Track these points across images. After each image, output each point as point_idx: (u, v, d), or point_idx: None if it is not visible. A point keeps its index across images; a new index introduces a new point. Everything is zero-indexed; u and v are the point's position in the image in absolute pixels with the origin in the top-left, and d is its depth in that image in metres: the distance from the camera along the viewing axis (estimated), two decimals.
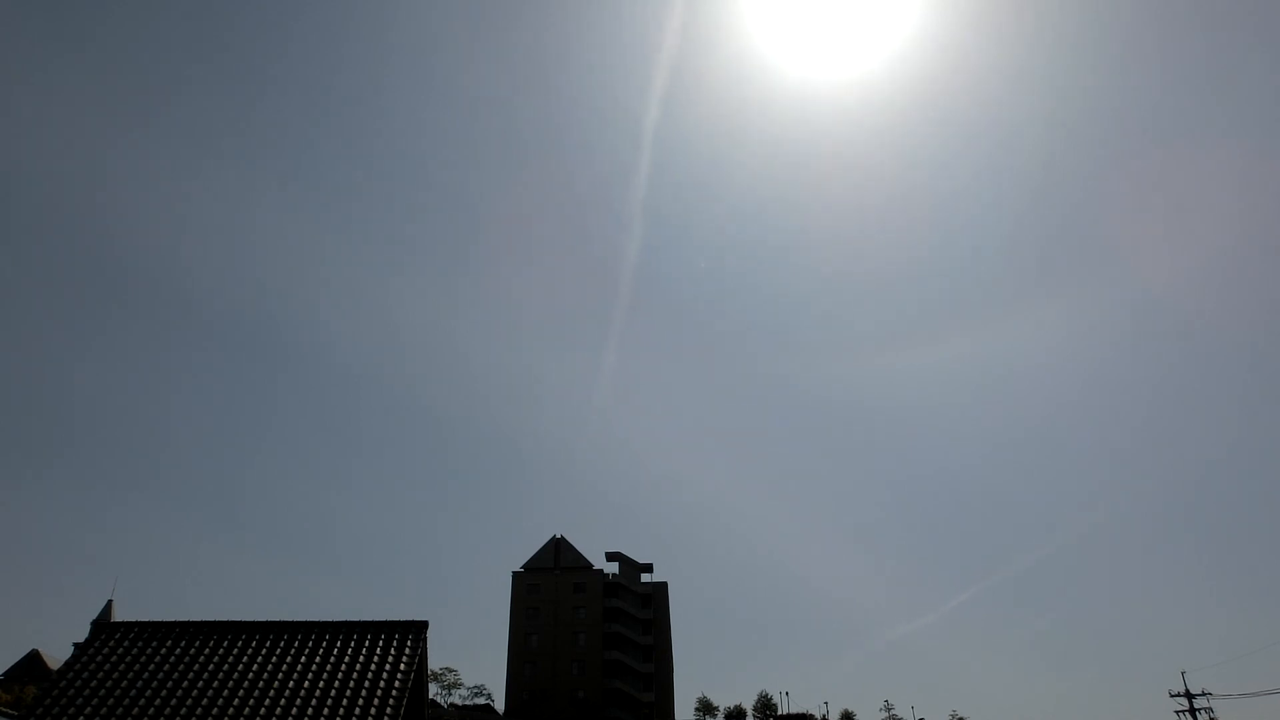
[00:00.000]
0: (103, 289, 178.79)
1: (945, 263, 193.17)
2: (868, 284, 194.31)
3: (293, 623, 20.58)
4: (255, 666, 19.11)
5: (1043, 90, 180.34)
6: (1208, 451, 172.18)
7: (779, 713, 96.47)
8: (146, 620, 20.52)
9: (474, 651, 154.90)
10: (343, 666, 19.27)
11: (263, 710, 17.84)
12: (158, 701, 17.98)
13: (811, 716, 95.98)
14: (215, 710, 17.76)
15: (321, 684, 18.72)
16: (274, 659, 19.39)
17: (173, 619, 20.52)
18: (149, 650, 19.54)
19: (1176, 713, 45.69)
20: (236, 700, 18.08)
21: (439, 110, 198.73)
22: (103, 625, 20.38)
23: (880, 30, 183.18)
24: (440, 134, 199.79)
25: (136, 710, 17.75)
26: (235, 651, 19.54)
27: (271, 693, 18.35)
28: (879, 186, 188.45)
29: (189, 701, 17.98)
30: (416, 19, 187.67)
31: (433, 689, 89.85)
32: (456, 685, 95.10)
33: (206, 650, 19.53)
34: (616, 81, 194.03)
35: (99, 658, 19.29)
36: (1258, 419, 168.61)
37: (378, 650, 19.82)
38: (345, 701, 18.21)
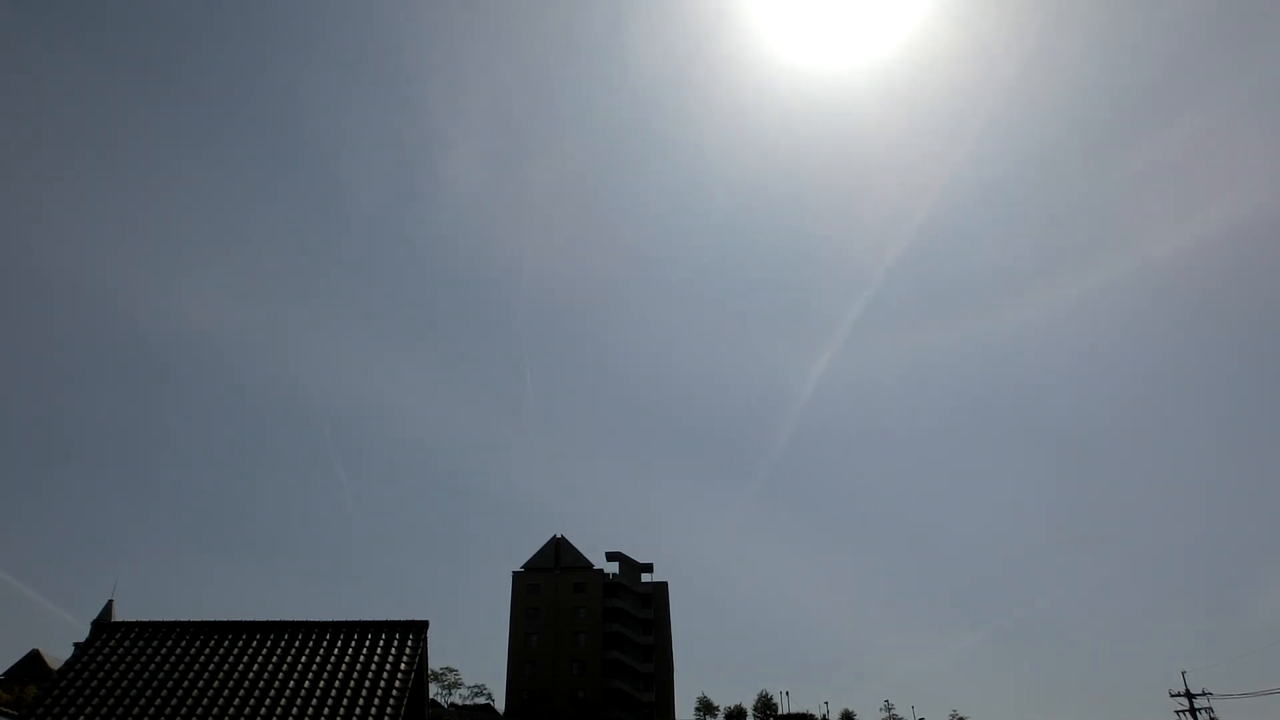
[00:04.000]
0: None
1: (947, 250, 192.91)
2: (865, 277, 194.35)
3: (293, 622, 20.60)
4: (255, 666, 19.12)
5: (1050, 70, 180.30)
6: (1210, 447, 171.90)
7: (779, 712, 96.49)
8: (146, 620, 20.55)
9: (474, 651, 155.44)
10: (343, 666, 19.27)
11: (263, 710, 17.85)
12: (158, 701, 17.99)
13: (812, 716, 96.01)
14: (215, 710, 17.78)
15: (321, 684, 18.72)
16: (274, 659, 19.40)
17: (173, 619, 20.55)
18: (149, 650, 19.55)
19: (1177, 713, 45.73)
20: (236, 700, 18.09)
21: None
22: (103, 625, 20.39)
23: (887, 18, 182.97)
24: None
25: (136, 710, 17.76)
26: (235, 651, 19.55)
27: (271, 693, 18.36)
28: (880, 175, 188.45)
29: (189, 701, 17.99)
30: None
31: (433, 689, 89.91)
32: (456, 685, 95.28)
33: (206, 650, 19.54)
34: None
35: (99, 658, 19.30)
36: (1262, 408, 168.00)
37: (378, 650, 19.82)
38: (345, 701, 18.22)
